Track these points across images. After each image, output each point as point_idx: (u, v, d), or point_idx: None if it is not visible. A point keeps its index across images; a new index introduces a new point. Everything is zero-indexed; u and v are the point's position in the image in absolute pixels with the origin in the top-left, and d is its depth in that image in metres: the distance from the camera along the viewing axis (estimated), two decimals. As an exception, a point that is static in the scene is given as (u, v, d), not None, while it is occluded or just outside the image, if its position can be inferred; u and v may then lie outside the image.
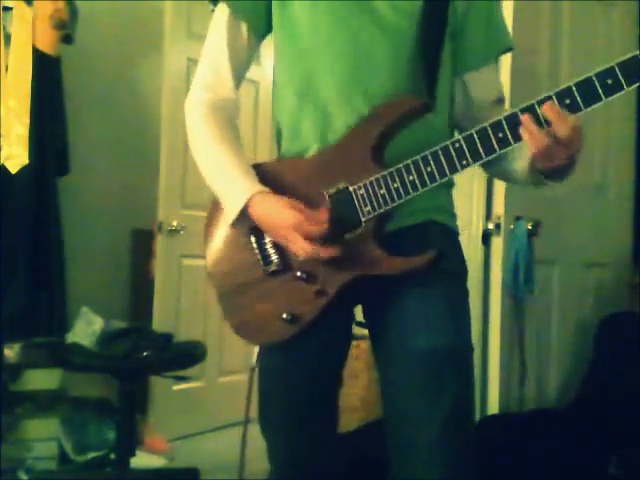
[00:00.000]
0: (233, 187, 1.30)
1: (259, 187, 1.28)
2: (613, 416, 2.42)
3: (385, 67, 1.28)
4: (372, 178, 1.22)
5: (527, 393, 2.69)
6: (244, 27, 1.39)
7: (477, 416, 2.55)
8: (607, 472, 2.26)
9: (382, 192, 1.22)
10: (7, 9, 2.91)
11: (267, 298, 1.31)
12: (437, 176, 1.19)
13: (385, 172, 1.22)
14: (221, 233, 1.37)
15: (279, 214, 1.24)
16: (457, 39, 1.35)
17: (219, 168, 1.34)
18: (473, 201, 2.65)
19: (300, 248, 1.22)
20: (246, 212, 1.28)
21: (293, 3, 1.34)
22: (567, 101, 1.09)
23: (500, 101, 1.40)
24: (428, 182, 1.20)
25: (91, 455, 2.96)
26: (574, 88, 1.09)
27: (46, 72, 3.02)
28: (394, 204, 1.22)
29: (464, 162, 1.17)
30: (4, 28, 2.90)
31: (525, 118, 1.11)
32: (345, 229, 1.24)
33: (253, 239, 1.32)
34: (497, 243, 2.60)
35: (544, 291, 2.76)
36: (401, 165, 1.21)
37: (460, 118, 1.39)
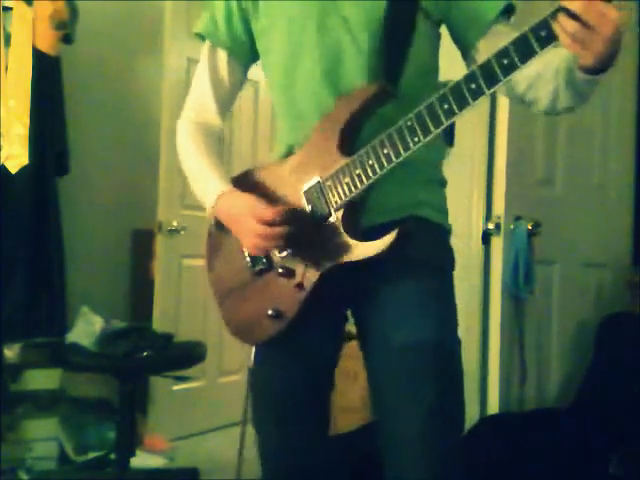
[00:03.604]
0: (207, 193, 1.39)
1: (225, 188, 1.37)
2: (613, 416, 2.42)
3: (353, 67, 1.31)
4: (337, 168, 1.26)
5: (527, 393, 2.69)
6: (224, 56, 1.46)
7: (477, 416, 2.55)
8: (607, 472, 2.26)
9: (346, 180, 1.25)
10: (7, 9, 2.91)
11: (255, 298, 1.37)
12: (393, 157, 1.21)
13: (348, 160, 1.25)
14: (217, 242, 1.46)
15: (236, 206, 1.33)
16: (452, 19, 1.35)
17: (198, 178, 1.44)
18: (473, 201, 2.65)
19: (251, 230, 1.28)
20: (216, 212, 1.38)
21: (274, 25, 1.38)
22: None
23: None
24: (385, 164, 1.22)
25: (91, 455, 2.96)
26: None
27: (46, 72, 3.02)
28: (358, 191, 1.24)
29: (416, 139, 1.19)
30: (4, 28, 2.90)
31: (560, 15, 1.05)
32: (318, 221, 1.28)
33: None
34: (497, 243, 2.60)
35: (544, 291, 2.76)
36: (362, 151, 1.24)
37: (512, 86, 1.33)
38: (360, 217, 1.29)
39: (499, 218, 2.57)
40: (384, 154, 1.21)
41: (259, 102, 3.93)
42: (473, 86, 1.13)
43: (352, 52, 1.31)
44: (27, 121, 2.91)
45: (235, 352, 3.66)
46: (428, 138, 1.18)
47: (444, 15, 1.35)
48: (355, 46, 1.31)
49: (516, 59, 1.09)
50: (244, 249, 1.38)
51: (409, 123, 1.19)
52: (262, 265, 1.35)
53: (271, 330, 1.34)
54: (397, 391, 1.27)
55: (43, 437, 2.84)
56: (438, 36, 1.40)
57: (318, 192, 1.28)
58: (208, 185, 1.40)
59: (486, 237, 2.63)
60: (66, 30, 3.08)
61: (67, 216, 3.17)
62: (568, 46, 1.07)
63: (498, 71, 1.11)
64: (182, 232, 3.41)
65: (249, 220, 1.29)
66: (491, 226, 2.59)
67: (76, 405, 3.02)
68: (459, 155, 2.49)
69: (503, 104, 2.55)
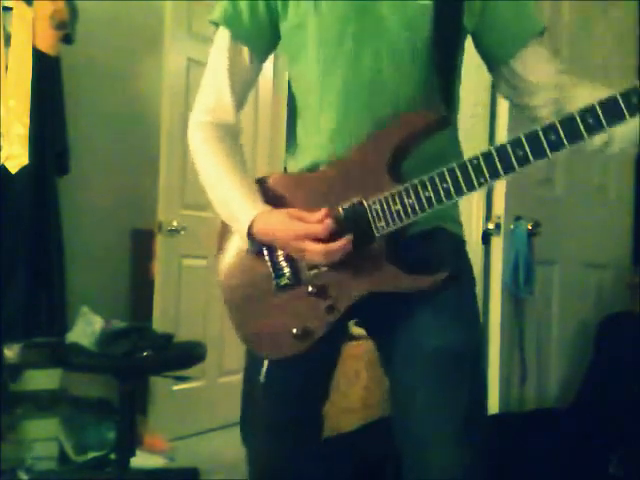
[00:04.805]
0: (236, 214, 1.30)
1: (259, 208, 1.28)
2: (613, 416, 2.42)
3: (393, 86, 1.26)
4: (387, 193, 1.20)
5: (527, 393, 2.68)
6: (245, 51, 1.37)
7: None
8: (607, 472, 2.26)
9: (397, 208, 1.19)
10: (7, 9, 2.91)
11: (278, 312, 1.30)
12: (453, 193, 1.17)
13: (401, 188, 1.20)
14: (233, 246, 1.36)
15: (282, 228, 1.23)
16: (485, 34, 1.33)
17: (223, 195, 1.33)
18: (473, 201, 2.65)
19: (314, 252, 1.20)
20: (252, 235, 1.27)
21: (304, 25, 1.30)
22: None
23: (562, 71, 1.34)
24: (444, 199, 1.18)
25: (91, 455, 2.96)
26: None
27: (46, 72, 3.02)
28: (408, 220, 1.20)
29: (481, 179, 1.15)
30: (4, 28, 2.90)
31: None
32: (358, 244, 1.22)
33: (266, 252, 1.31)
34: (497, 243, 2.59)
35: (544, 291, 2.75)
36: (417, 181, 1.19)
37: (528, 102, 1.35)
38: (399, 245, 1.23)
39: (499, 218, 2.57)
40: (443, 188, 1.17)
41: (259, 102, 3.93)
42: (553, 138, 1.11)
43: (393, 71, 1.25)
44: (27, 121, 2.91)
45: (235, 352, 3.66)
46: (494, 181, 1.15)
47: (477, 29, 1.32)
48: (395, 66, 1.25)
49: (604, 121, 1.09)
50: (266, 258, 1.30)
51: (475, 162, 1.15)
52: (288, 280, 1.28)
53: (294, 349, 1.28)
54: (430, 396, 1.25)
55: (43, 437, 2.84)
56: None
57: (361, 214, 1.21)
58: (236, 209, 1.30)
59: (486, 237, 2.63)
60: (66, 30, 3.09)
61: (67, 216, 3.17)
62: None
63: (582, 129, 1.10)
64: (182, 232, 3.41)
65: (306, 242, 1.20)
66: (491, 226, 2.59)
67: (76, 405, 3.02)
68: (459, 155, 2.48)
69: (503, 104, 2.55)
